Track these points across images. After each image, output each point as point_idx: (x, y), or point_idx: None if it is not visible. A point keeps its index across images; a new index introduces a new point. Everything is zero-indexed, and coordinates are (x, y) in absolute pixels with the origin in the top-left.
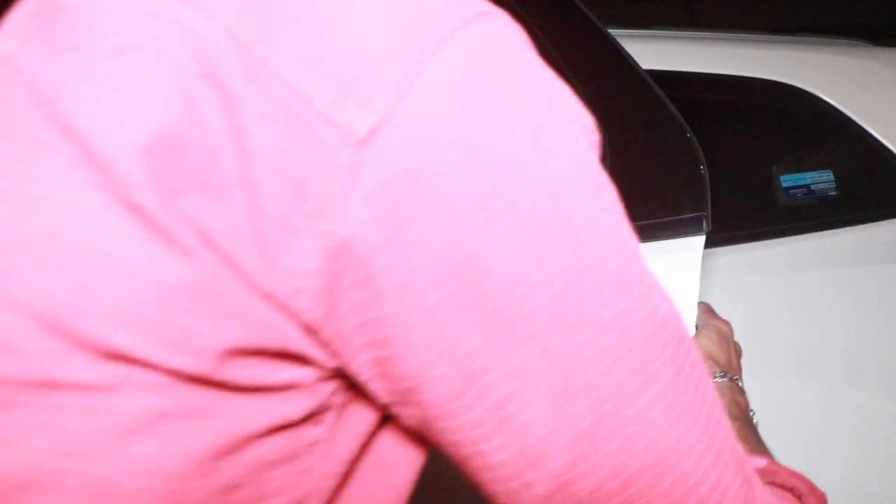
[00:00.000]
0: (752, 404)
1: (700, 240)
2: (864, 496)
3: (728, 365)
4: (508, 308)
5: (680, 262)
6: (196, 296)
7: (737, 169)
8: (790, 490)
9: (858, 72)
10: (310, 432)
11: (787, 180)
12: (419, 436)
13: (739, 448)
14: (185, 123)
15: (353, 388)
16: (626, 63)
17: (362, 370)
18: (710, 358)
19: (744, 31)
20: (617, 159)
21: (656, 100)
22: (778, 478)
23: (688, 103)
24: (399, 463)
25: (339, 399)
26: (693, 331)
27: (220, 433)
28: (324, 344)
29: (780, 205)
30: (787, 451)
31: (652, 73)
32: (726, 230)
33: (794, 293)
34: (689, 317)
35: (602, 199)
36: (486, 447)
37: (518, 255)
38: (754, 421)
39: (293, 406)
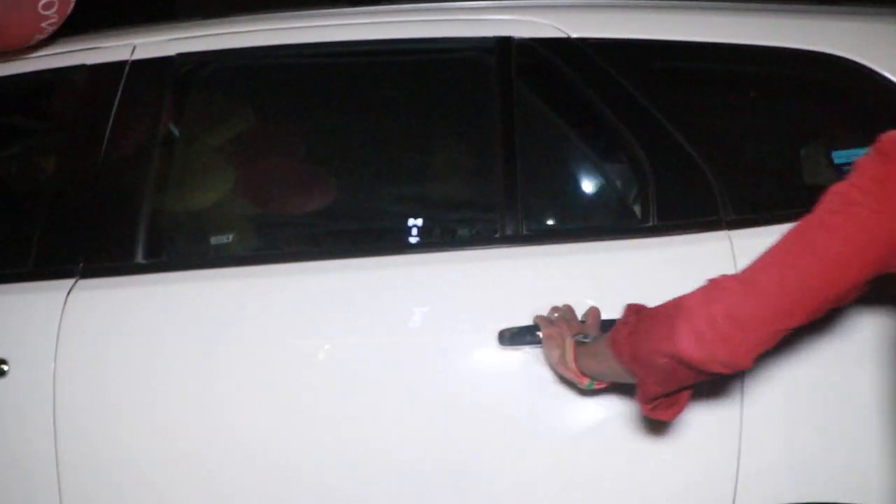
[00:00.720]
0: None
1: None
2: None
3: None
4: None
5: None
6: None
7: (784, 146)
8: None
9: None
10: None
11: (840, 157)
12: None
13: None
14: None
15: None
16: None
17: None
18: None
19: (787, 1)
20: None
21: None
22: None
23: (729, 76)
24: None
25: None
26: None
27: None
28: None
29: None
30: None
31: (693, 44)
32: (774, 209)
33: None
34: None
35: None
36: None
37: None
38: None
39: None
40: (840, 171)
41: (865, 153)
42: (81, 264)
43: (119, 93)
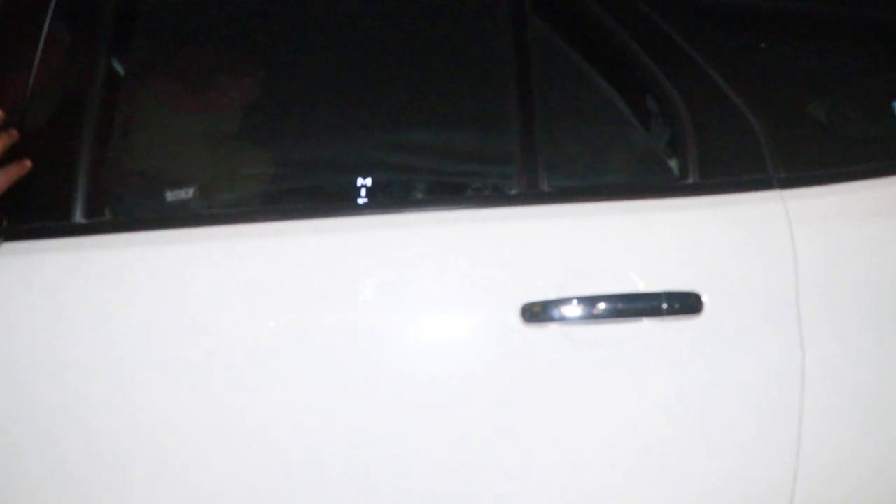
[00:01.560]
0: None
1: None
2: None
3: None
4: None
5: None
6: None
7: (840, 93)
8: None
9: None
10: None
11: None
12: None
13: None
14: None
15: None
16: None
17: None
18: None
19: None
20: None
21: None
22: None
23: (777, 13)
24: None
25: None
26: None
27: None
28: None
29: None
30: None
31: None
32: (830, 165)
33: None
34: None
35: None
36: None
37: None
38: None
39: None
40: None
41: None
42: (4, 225)
43: (47, 20)
